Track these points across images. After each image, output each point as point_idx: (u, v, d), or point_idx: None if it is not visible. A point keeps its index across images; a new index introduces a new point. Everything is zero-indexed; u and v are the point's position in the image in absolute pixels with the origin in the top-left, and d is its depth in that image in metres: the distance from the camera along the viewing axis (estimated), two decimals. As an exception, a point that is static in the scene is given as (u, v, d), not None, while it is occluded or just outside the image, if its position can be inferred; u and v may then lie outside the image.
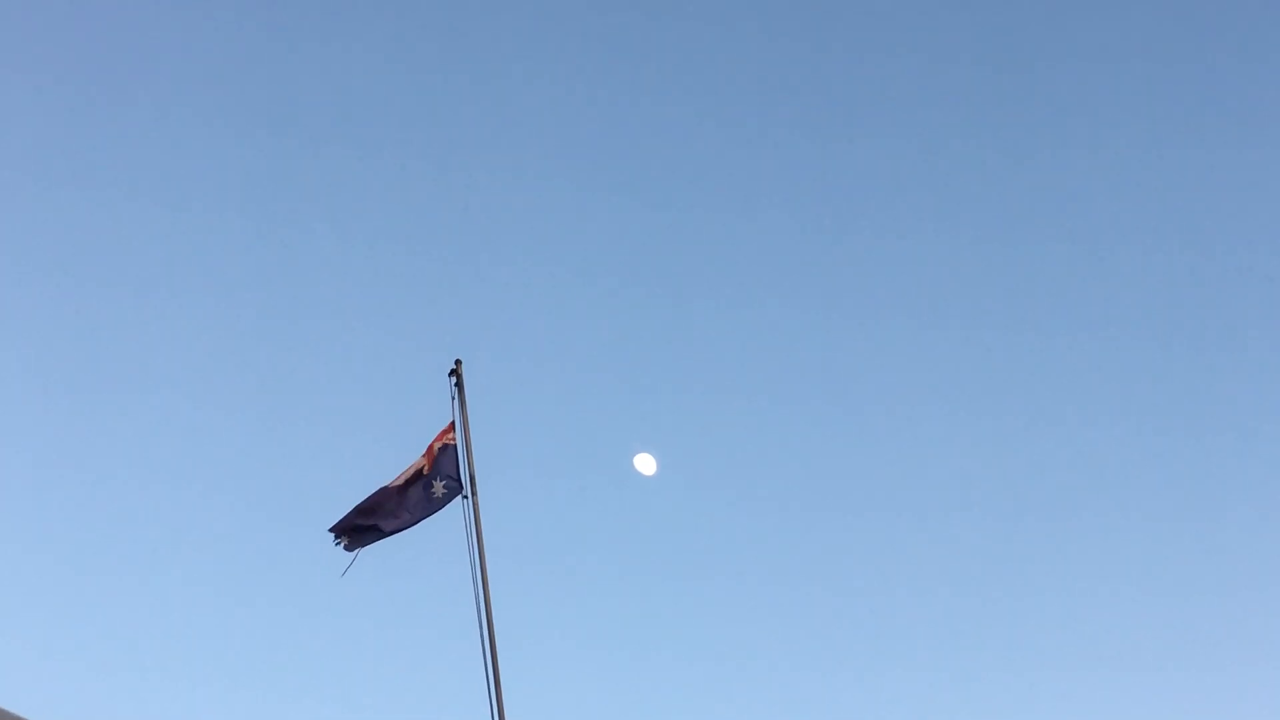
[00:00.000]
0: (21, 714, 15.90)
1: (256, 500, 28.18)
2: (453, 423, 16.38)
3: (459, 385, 16.53)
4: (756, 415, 30.30)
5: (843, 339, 31.04)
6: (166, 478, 28.37)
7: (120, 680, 25.55)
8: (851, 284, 31.66)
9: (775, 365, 30.90)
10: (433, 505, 16.11)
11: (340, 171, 31.67)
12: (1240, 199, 30.80)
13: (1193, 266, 30.57)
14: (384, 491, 16.23)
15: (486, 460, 16.40)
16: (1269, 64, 31.00)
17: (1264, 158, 30.58)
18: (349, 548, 16.05)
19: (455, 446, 16.34)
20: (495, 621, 15.65)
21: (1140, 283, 30.71)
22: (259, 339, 30.16)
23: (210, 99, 31.54)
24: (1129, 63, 32.07)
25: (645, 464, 25.54)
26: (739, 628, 27.46)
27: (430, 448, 16.29)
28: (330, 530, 16.16)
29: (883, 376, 30.58)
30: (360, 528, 16.11)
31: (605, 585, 27.95)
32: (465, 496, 16.15)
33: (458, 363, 16.60)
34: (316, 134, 31.79)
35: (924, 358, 30.66)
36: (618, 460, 28.37)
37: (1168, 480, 28.93)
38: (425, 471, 16.20)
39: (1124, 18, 32.17)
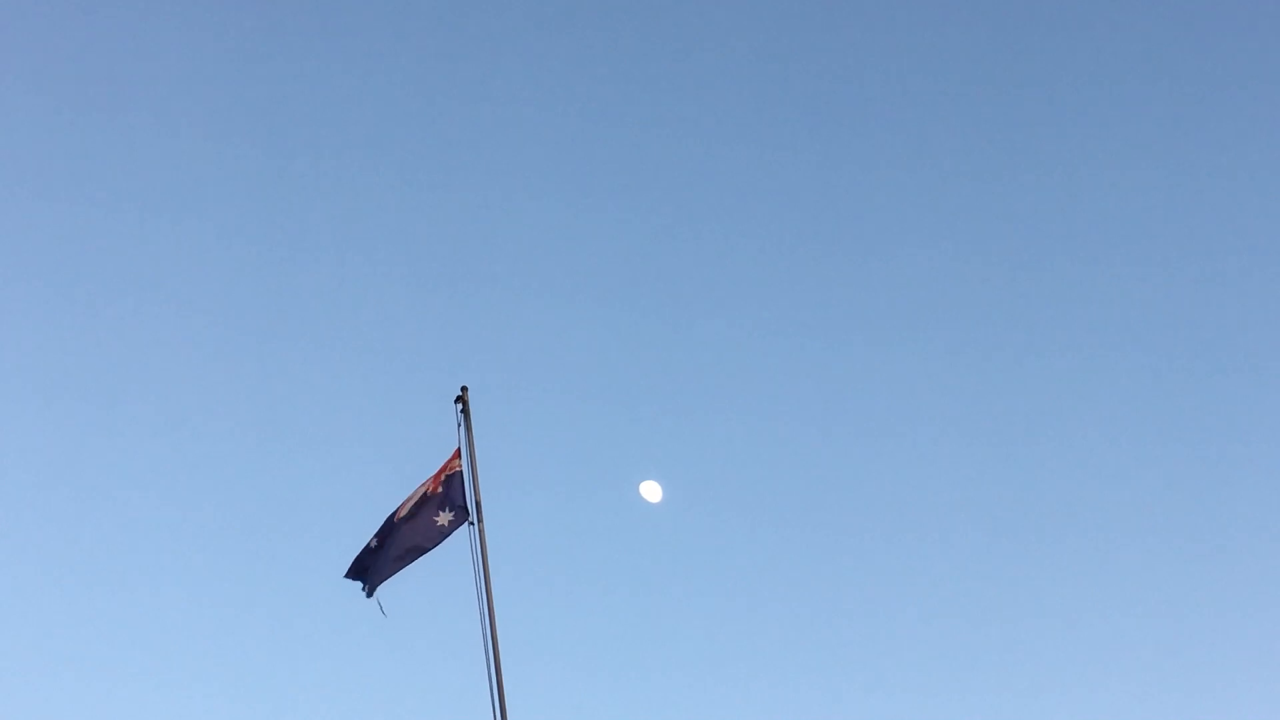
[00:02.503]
0: None
1: (262, 524, 28.19)
2: (459, 449, 16.38)
3: (465, 412, 16.52)
4: (762, 443, 30.31)
5: (849, 366, 31.06)
6: (170, 500, 28.40)
7: (116, 693, 25.59)
8: (857, 310, 31.69)
9: (781, 393, 30.91)
10: (440, 534, 16.09)
11: (345, 196, 31.76)
12: (1241, 216, 30.88)
13: (1193, 286, 30.64)
14: (390, 525, 16.22)
15: (492, 486, 16.41)
16: (1274, 85, 31.11)
17: (1266, 176, 30.69)
18: (369, 594, 16.11)
19: (461, 473, 16.34)
20: (501, 647, 15.65)
21: (1140, 302, 30.78)
22: (264, 364, 30.21)
23: (216, 120, 31.66)
24: (1133, 81, 32.17)
25: (651, 491, 25.51)
26: (745, 654, 27.42)
27: (438, 475, 16.27)
28: (348, 576, 16.20)
29: (889, 404, 30.59)
30: (373, 566, 16.12)
31: (611, 612, 27.92)
32: (471, 523, 16.14)
33: (464, 389, 16.60)
34: (321, 156, 31.89)
35: (930, 383, 30.68)
36: (623, 487, 28.36)
37: (1166, 496, 28.95)
38: (430, 495, 16.19)
39: (1127, 37, 32.30)
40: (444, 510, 16.12)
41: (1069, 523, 28.78)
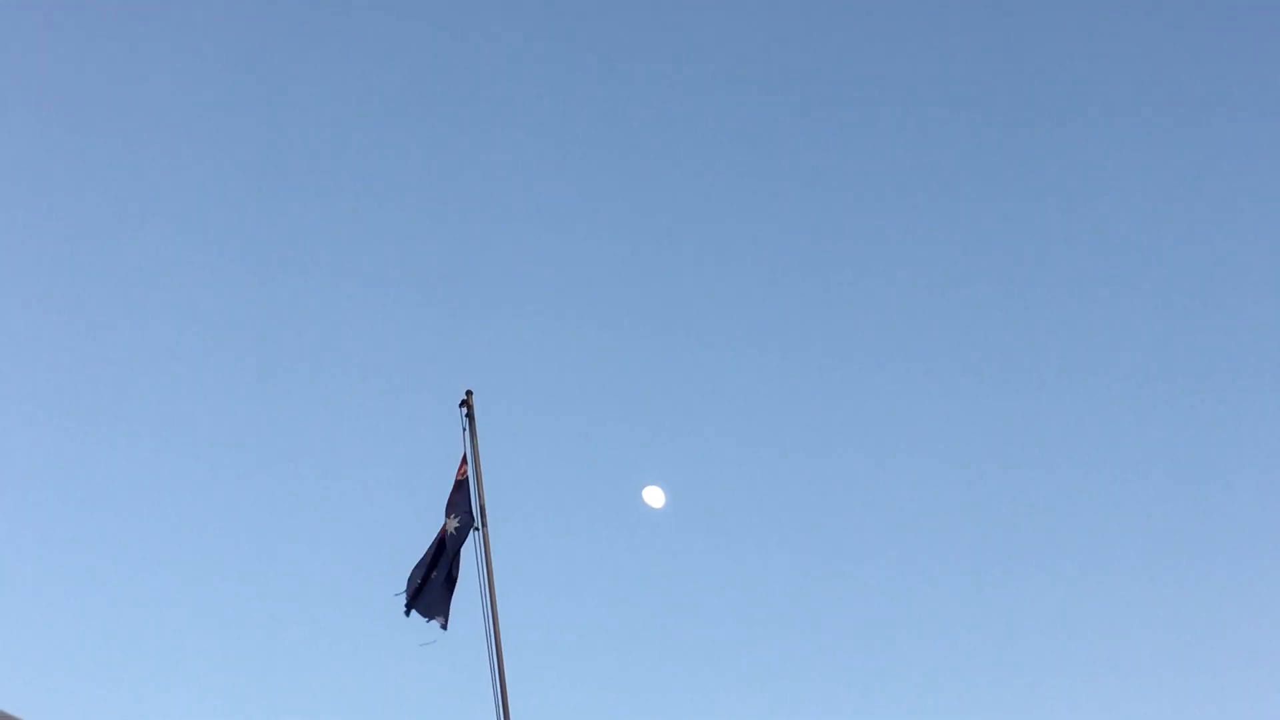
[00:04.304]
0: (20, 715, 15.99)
1: (268, 528, 28.23)
2: (465, 456, 16.41)
3: (470, 416, 16.57)
4: (765, 448, 30.35)
5: (850, 374, 31.11)
6: (177, 504, 28.44)
7: (117, 696, 25.67)
8: (857, 319, 31.76)
9: (783, 399, 30.96)
10: (455, 543, 16.13)
11: (349, 200, 31.82)
12: (1232, 235, 30.99)
13: (1184, 301, 30.73)
14: (438, 553, 16.21)
15: (496, 491, 16.46)
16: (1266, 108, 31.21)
17: (1258, 195, 30.81)
18: (444, 625, 16.06)
19: (467, 479, 16.36)
20: (504, 651, 15.69)
21: (1132, 318, 30.85)
22: (269, 369, 30.26)
23: (219, 126, 31.74)
24: (1126, 103, 32.26)
25: (654, 496, 25.55)
26: (748, 659, 27.46)
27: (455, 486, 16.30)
28: (408, 611, 16.14)
29: (889, 411, 30.63)
30: (439, 596, 16.12)
31: (613, 616, 27.96)
32: (476, 528, 16.18)
33: (468, 394, 16.64)
34: (325, 161, 31.96)
35: (929, 391, 30.73)
36: (627, 492, 28.40)
37: (1158, 514, 29.03)
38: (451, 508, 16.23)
39: (1121, 58, 32.41)
40: (451, 516, 16.17)
41: (1067, 531, 28.87)
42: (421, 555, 16.14)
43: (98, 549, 27.88)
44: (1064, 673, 26.89)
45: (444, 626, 15.99)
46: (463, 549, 16.16)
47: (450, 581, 16.02)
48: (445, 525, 16.17)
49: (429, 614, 15.97)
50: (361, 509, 28.07)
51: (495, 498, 16.39)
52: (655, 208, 32.48)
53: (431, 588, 15.98)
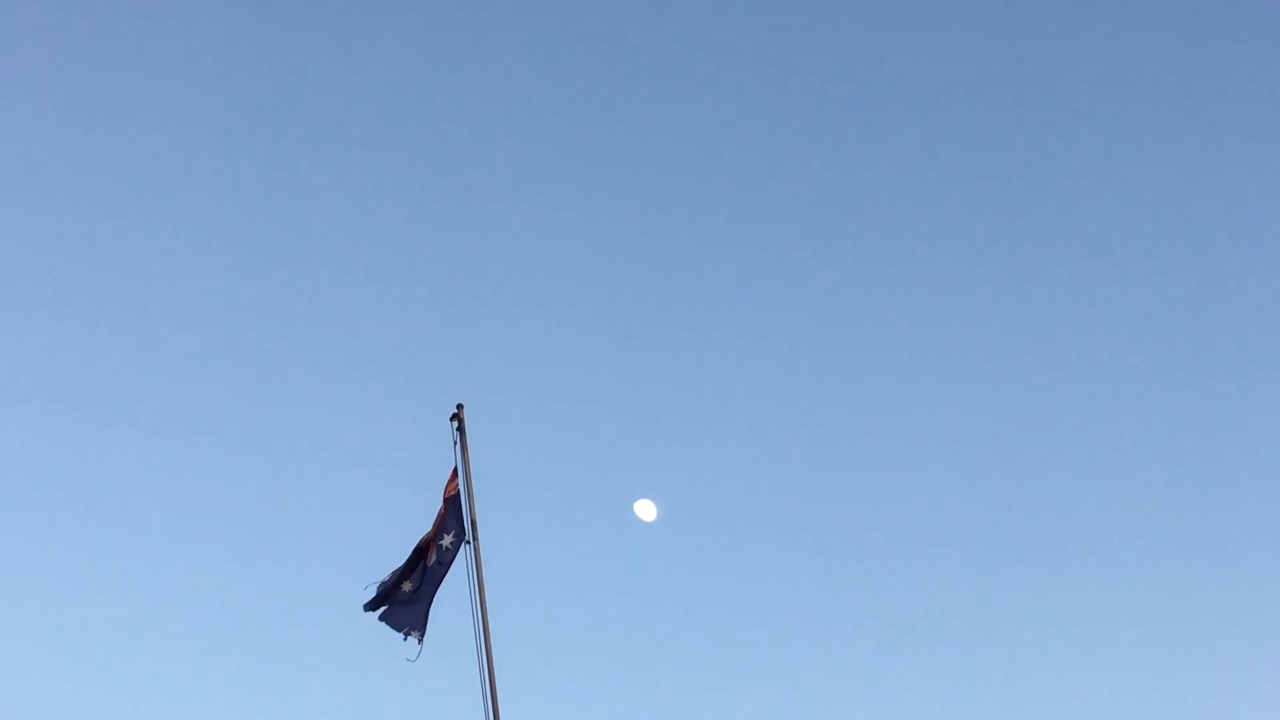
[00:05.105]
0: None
1: (259, 536, 28.26)
2: (455, 469, 16.41)
3: (460, 430, 16.58)
4: (756, 462, 30.38)
5: (842, 386, 31.14)
6: (169, 513, 28.46)
7: (110, 695, 25.65)
8: (851, 329, 31.78)
9: (774, 413, 30.98)
10: (449, 557, 16.11)
11: (340, 213, 31.86)
12: (1241, 220, 31.03)
13: (1193, 291, 30.76)
14: (423, 568, 16.16)
15: (487, 505, 16.46)
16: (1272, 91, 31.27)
17: (1266, 181, 30.85)
18: (420, 639, 16.02)
19: (459, 494, 16.37)
20: (495, 665, 15.69)
21: (1140, 306, 30.90)
22: (260, 380, 30.27)
23: (215, 134, 31.77)
24: (1135, 87, 32.31)
25: (645, 510, 25.59)
26: (741, 672, 27.46)
27: (444, 501, 16.28)
28: (368, 608, 16.12)
29: (881, 424, 30.66)
30: (407, 608, 16.08)
31: (605, 630, 27.96)
32: (467, 541, 16.18)
33: (459, 407, 16.66)
34: (316, 172, 31.99)
35: (924, 398, 30.76)
36: (618, 506, 28.43)
37: (1167, 499, 29.04)
38: (441, 523, 16.21)
39: (1130, 44, 32.47)
40: (448, 534, 16.16)
41: (1068, 532, 28.88)
42: (403, 562, 16.14)
43: (81, 549, 27.97)
44: (1069, 667, 26.94)
45: (419, 641, 15.98)
46: (455, 562, 16.17)
47: (432, 596, 16.03)
48: (427, 539, 16.15)
49: (400, 627, 15.98)
50: (355, 512, 28.12)
51: (487, 510, 16.41)
52: (644, 225, 32.54)
53: (418, 603, 15.98)
